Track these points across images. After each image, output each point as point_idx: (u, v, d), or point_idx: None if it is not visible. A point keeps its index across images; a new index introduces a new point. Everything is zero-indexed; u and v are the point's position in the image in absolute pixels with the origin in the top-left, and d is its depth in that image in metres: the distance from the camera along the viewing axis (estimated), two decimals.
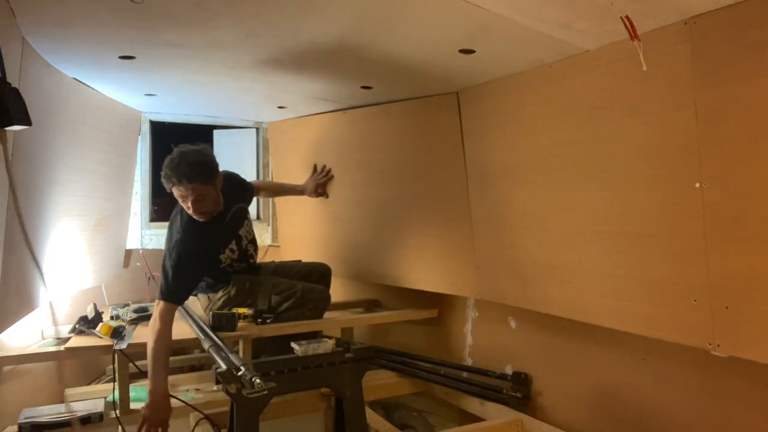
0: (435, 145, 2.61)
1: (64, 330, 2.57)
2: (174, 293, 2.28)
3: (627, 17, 1.47)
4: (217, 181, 2.40)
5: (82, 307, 2.61)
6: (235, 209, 2.65)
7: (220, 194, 2.45)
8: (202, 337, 2.33)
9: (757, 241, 1.47)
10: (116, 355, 2.20)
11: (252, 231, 2.81)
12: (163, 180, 2.33)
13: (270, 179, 3.83)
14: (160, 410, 2.06)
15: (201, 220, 2.38)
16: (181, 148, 2.35)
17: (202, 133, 3.71)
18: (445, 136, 2.53)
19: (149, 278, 3.57)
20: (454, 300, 2.91)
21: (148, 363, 2.12)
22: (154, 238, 3.54)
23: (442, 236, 2.67)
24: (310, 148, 3.33)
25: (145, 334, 2.39)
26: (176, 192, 2.33)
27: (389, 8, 1.61)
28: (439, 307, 3.01)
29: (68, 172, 2.46)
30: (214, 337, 2.29)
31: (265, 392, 1.77)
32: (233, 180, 2.73)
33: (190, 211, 2.36)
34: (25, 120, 1.43)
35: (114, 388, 2.20)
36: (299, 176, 3.39)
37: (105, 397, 2.26)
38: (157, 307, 2.22)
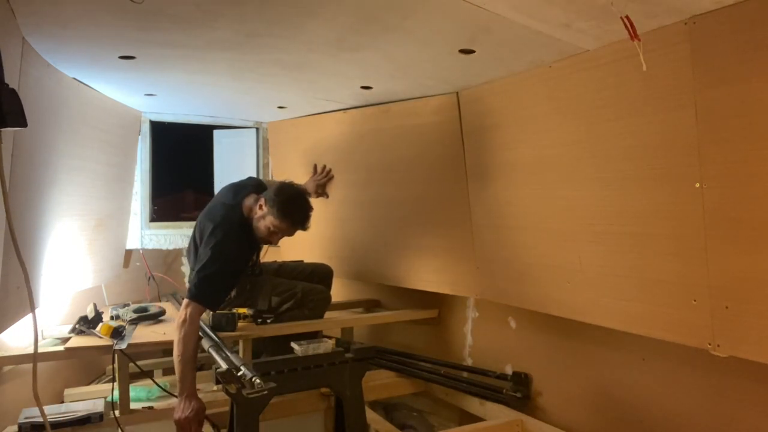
0: (435, 145, 2.61)
1: (64, 330, 2.57)
2: (211, 298, 2.27)
3: (627, 17, 1.46)
4: None
5: (82, 307, 2.61)
6: None
7: None
8: (202, 336, 2.32)
9: (757, 241, 1.47)
10: (116, 355, 2.20)
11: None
12: (280, 212, 2.38)
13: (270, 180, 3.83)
14: (195, 411, 2.04)
15: (261, 242, 2.54)
16: (300, 190, 2.54)
17: (202, 133, 3.72)
18: (445, 136, 2.53)
19: (149, 278, 3.58)
20: (454, 300, 2.91)
21: (177, 365, 2.10)
22: (154, 238, 3.54)
23: (442, 236, 2.67)
24: (310, 148, 3.33)
25: (144, 335, 2.40)
26: (279, 225, 2.40)
27: (389, 8, 1.61)
28: (439, 307, 3.01)
29: (68, 172, 2.46)
30: (214, 337, 2.29)
31: (265, 392, 1.77)
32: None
33: (271, 241, 2.50)
34: (21, 121, 1.40)
35: (114, 388, 2.20)
36: (299, 176, 3.38)
37: (105, 397, 2.26)
38: (186, 309, 2.16)
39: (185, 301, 2.20)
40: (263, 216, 2.42)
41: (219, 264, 2.29)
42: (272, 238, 2.48)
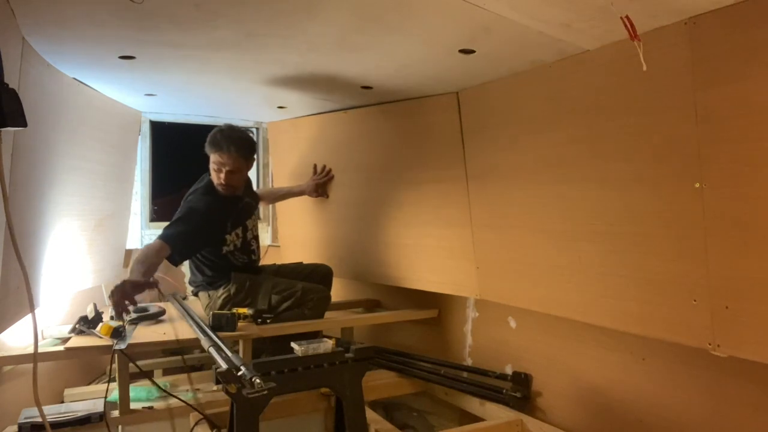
0: (435, 145, 2.61)
1: (64, 330, 2.57)
2: (172, 238, 2.44)
3: (627, 17, 1.47)
4: (250, 163, 2.70)
5: (82, 307, 2.61)
6: (246, 200, 2.85)
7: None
8: (202, 337, 2.32)
9: (757, 241, 1.47)
10: (116, 355, 2.20)
11: (257, 229, 2.94)
12: (208, 145, 2.58)
13: (270, 179, 3.83)
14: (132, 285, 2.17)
15: (223, 191, 2.63)
16: (230, 124, 2.66)
17: (202, 133, 3.71)
18: (445, 136, 2.53)
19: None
20: (454, 300, 2.91)
21: (133, 264, 2.32)
22: (154, 238, 3.53)
23: (442, 236, 2.67)
24: (310, 148, 3.33)
25: (144, 335, 2.40)
26: (215, 158, 2.57)
27: (389, 8, 1.61)
28: (439, 307, 3.00)
29: (68, 172, 2.46)
30: (214, 337, 2.29)
31: (265, 392, 1.76)
32: (249, 179, 3.00)
33: (220, 180, 2.60)
34: (21, 121, 1.40)
35: (112, 388, 2.20)
36: (299, 176, 3.39)
37: (105, 397, 2.26)
38: (155, 242, 2.42)
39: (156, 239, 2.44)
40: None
41: (188, 213, 2.56)
42: (219, 177, 2.60)
